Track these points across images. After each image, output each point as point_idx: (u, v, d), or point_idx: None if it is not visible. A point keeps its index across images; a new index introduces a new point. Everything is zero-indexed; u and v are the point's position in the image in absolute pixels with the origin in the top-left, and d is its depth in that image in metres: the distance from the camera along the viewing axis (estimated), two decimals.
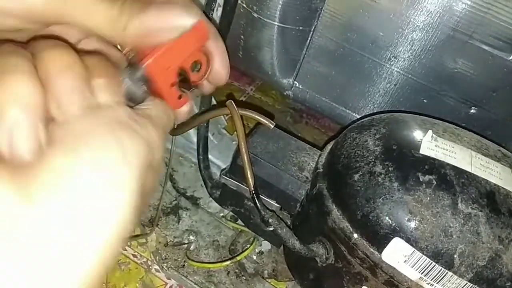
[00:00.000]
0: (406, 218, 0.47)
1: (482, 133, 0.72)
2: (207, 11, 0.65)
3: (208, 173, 0.75)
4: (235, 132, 0.62)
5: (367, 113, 0.84)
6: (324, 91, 0.85)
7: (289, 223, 0.64)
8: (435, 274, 0.46)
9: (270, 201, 0.63)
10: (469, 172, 0.49)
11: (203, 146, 0.75)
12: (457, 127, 0.60)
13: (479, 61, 0.67)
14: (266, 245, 0.70)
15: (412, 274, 0.47)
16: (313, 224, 0.57)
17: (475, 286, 0.45)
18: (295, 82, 0.87)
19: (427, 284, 0.47)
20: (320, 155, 0.62)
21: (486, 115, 0.72)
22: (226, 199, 0.70)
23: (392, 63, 0.73)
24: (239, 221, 0.75)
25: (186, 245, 0.68)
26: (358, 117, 0.82)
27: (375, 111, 0.82)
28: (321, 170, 0.58)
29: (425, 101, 0.75)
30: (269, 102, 1.16)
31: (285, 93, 0.90)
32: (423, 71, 0.72)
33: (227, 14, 0.68)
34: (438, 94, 0.73)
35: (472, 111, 0.72)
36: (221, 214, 0.78)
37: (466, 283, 0.45)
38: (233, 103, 0.57)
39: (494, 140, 0.68)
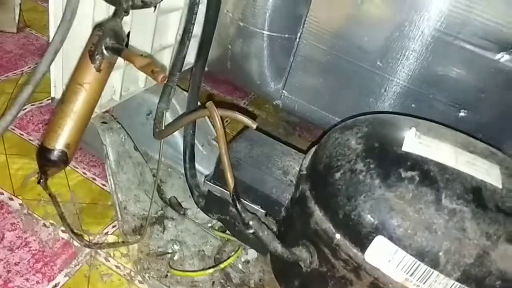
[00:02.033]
0: (388, 216, 0.45)
1: (474, 136, 0.71)
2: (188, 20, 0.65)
3: (194, 181, 0.73)
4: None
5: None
6: (313, 99, 0.84)
7: (275, 229, 0.62)
8: (421, 274, 0.44)
9: (255, 206, 0.61)
10: (454, 168, 0.47)
11: (189, 155, 0.74)
12: (443, 126, 0.58)
13: (466, 62, 0.66)
14: (252, 254, 0.67)
15: (397, 275, 0.45)
16: (297, 228, 0.55)
17: (463, 286, 0.43)
18: (284, 91, 0.86)
19: (413, 285, 0.44)
20: (304, 158, 0.61)
21: (476, 117, 0.70)
22: (211, 207, 0.68)
23: (378, 68, 0.72)
24: (228, 231, 0.73)
25: (169, 255, 0.66)
26: None
27: None
28: (304, 172, 0.57)
29: (413, 105, 0.73)
30: (263, 115, 1.16)
31: (274, 103, 0.90)
32: (410, 75, 0.71)
33: (210, 23, 0.68)
34: (426, 98, 0.72)
35: (461, 114, 0.70)
36: (209, 225, 0.76)
37: (454, 283, 0.43)
38: (213, 104, 0.57)
39: (486, 140, 0.66)
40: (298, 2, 0.74)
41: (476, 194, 0.45)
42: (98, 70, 0.55)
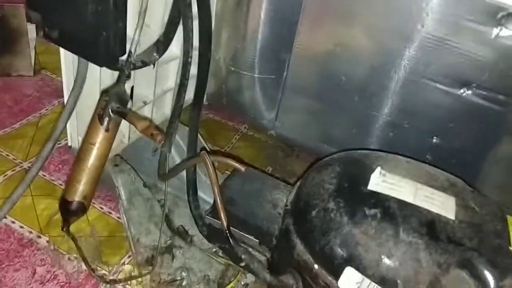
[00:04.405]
0: (355, 249, 0.53)
1: (448, 161, 0.78)
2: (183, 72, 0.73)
3: (198, 212, 0.82)
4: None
5: (344, 147, 0.90)
6: (302, 130, 0.92)
7: (268, 256, 0.70)
8: None
9: (249, 237, 0.70)
10: (412, 204, 0.55)
11: (192, 189, 0.83)
12: (411, 161, 0.66)
13: (434, 96, 0.74)
14: (250, 278, 0.76)
15: None
16: (285, 257, 0.64)
17: None
18: (276, 122, 0.95)
19: None
20: (289, 193, 0.69)
21: (448, 144, 0.77)
22: (213, 236, 0.77)
23: (356, 103, 0.80)
24: None
25: (178, 282, 0.75)
26: (335, 150, 0.89)
27: (351, 145, 0.88)
28: (289, 207, 0.65)
29: (391, 134, 0.81)
30: (262, 138, 1.24)
31: (268, 133, 0.98)
32: (387, 108, 0.79)
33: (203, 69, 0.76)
34: (403, 127, 0.80)
35: (434, 141, 0.78)
36: (214, 250, 0.85)
37: None
38: (206, 153, 0.65)
39: (459, 167, 0.74)
40: (281, 49, 0.82)
41: (430, 227, 0.53)
42: (107, 130, 0.64)
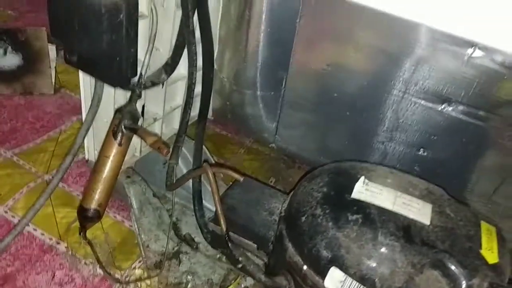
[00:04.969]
0: (338, 251, 0.59)
1: (435, 171, 0.84)
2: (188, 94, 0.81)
3: (203, 221, 0.89)
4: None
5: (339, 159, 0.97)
6: (301, 142, 0.99)
7: (265, 260, 0.76)
8: None
9: (248, 242, 0.76)
10: (391, 210, 0.61)
11: (197, 199, 0.90)
12: (394, 171, 0.71)
13: (419, 111, 0.80)
14: (250, 281, 0.82)
15: None
16: (279, 260, 0.70)
17: None
18: (276, 136, 1.02)
19: None
20: (284, 201, 0.75)
21: (434, 155, 0.83)
22: (216, 242, 0.83)
23: (347, 118, 0.86)
24: None
25: (184, 284, 0.81)
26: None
27: (345, 157, 0.94)
28: (283, 214, 0.71)
29: (381, 147, 0.87)
30: (265, 151, 1.31)
31: (269, 146, 1.05)
32: (376, 123, 0.85)
33: (207, 87, 0.84)
34: (391, 141, 0.86)
35: (420, 152, 0.83)
36: (218, 256, 0.91)
37: None
38: (208, 165, 0.72)
39: (446, 177, 0.79)
40: (278, 68, 0.89)
41: (405, 231, 0.59)
42: (120, 144, 0.72)
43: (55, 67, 1.38)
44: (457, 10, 0.64)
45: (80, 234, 0.73)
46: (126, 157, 0.92)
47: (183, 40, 0.76)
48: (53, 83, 1.36)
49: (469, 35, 0.66)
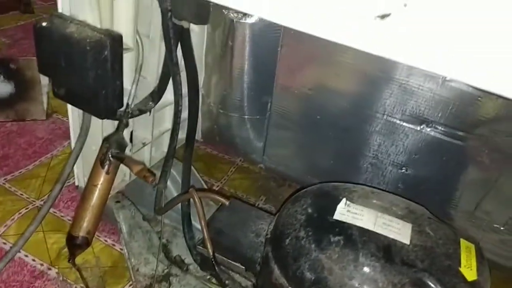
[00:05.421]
0: (321, 272, 0.60)
1: (418, 188, 0.86)
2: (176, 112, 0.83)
3: (192, 243, 0.90)
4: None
5: (325, 178, 0.99)
6: (287, 161, 1.01)
7: (254, 281, 0.78)
8: None
9: (236, 264, 0.77)
10: (372, 231, 0.63)
11: (186, 221, 0.91)
12: (376, 191, 0.73)
13: (397, 132, 0.82)
14: None
15: None
16: (266, 281, 0.71)
17: None
18: (264, 156, 1.04)
19: None
20: (270, 223, 0.77)
21: (415, 173, 0.85)
22: (204, 264, 0.84)
23: (330, 139, 0.89)
24: None
25: None
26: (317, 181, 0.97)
27: (331, 176, 0.96)
28: (269, 236, 0.73)
29: (365, 165, 0.89)
30: (256, 170, 1.33)
31: (258, 166, 1.07)
32: (359, 142, 0.88)
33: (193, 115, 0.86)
34: (376, 160, 0.88)
35: (403, 171, 0.86)
36: (208, 277, 0.92)
37: None
38: (195, 190, 0.74)
39: (429, 193, 0.81)
40: (263, 93, 0.92)
41: (386, 252, 0.60)
42: (107, 173, 0.73)
43: (47, 93, 1.40)
44: (425, 46, 0.67)
45: (69, 261, 0.74)
46: (116, 182, 0.94)
47: (168, 71, 0.78)
48: (45, 109, 1.38)
49: (437, 71, 0.68)
